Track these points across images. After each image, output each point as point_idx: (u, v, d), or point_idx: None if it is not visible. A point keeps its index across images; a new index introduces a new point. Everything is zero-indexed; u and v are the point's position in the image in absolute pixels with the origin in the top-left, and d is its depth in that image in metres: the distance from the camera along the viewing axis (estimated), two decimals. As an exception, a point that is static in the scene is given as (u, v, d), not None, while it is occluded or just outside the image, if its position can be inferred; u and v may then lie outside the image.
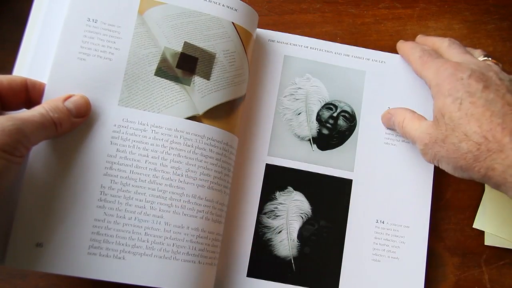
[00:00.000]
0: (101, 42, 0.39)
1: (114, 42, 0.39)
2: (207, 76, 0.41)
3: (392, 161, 0.45)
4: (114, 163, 0.37)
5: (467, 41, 0.50)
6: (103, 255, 0.35)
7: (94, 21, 0.39)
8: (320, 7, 0.51)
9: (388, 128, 0.45)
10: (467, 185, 0.46)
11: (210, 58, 0.41)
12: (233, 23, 0.42)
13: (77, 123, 0.36)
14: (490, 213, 0.44)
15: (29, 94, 0.36)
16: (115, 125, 0.38)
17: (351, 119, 0.46)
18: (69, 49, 0.38)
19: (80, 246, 0.35)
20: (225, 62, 0.42)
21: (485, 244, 0.44)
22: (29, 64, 0.38)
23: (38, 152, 0.36)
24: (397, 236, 0.43)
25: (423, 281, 0.42)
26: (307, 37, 0.48)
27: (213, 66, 0.41)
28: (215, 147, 0.39)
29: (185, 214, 0.37)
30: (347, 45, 0.48)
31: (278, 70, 0.47)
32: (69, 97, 0.36)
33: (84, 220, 0.36)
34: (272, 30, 0.48)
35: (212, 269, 0.39)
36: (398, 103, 0.46)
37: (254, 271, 0.42)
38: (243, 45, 0.43)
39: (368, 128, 0.46)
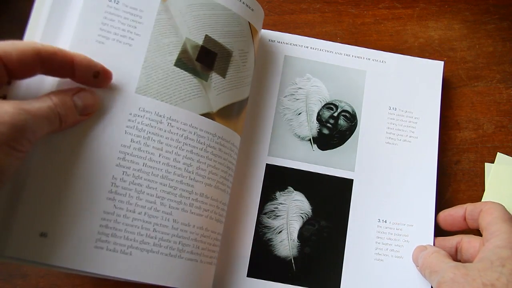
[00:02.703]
0: (122, 26, 0.37)
1: (135, 27, 0.38)
2: (223, 73, 0.41)
3: (394, 160, 0.45)
4: (128, 153, 0.35)
5: (467, 41, 0.51)
6: (110, 250, 0.33)
7: (116, 2, 0.37)
8: (320, 7, 0.52)
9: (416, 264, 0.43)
10: (467, 185, 0.47)
11: (227, 55, 0.41)
12: (249, 22, 0.43)
13: (81, 120, 0.34)
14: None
15: (45, 65, 0.33)
16: (130, 114, 0.36)
17: (352, 119, 0.47)
18: (88, 31, 0.36)
19: (86, 239, 0.33)
20: (239, 61, 0.42)
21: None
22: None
23: (49, 137, 0.34)
24: (400, 235, 0.43)
25: None
26: (307, 37, 0.48)
27: (230, 64, 0.41)
28: (224, 146, 0.39)
29: (192, 212, 0.37)
30: (347, 45, 0.49)
31: (278, 70, 0.47)
32: (79, 91, 0.34)
33: (93, 212, 0.34)
34: (272, 30, 0.48)
35: (211, 268, 0.39)
36: (398, 103, 0.47)
37: (254, 271, 0.41)
38: (254, 46, 0.43)
39: (369, 128, 0.46)
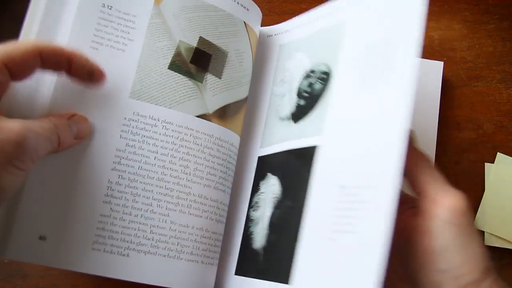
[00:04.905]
0: (115, 31, 0.37)
1: (128, 33, 0.38)
2: (219, 74, 0.40)
3: (367, 113, 0.34)
4: (123, 158, 0.36)
5: (467, 41, 0.51)
6: (107, 251, 0.34)
7: (109, 7, 0.37)
8: (320, 8, 0.52)
9: None
10: (467, 185, 0.46)
11: (223, 56, 0.41)
12: (244, 22, 0.42)
13: (75, 144, 0.35)
14: (490, 213, 0.45)
15: (45, 63, 0.33)
16: (125, 119, 0.36)
17: (327, 78, 0.38)
18: (82, 37, 0.36)
19: (84, 241, 0.34)
20: (236, 61, 0.42)
21: (485, 244, 0.45)
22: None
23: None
24: (358, 202, 0.31)
25: (381, 255, 0.28)
26: (296, 17, 0.45)
27: (225, 65, 0.41)
28: (222, 147, 0.39)
29: (190, 214, 0.37)
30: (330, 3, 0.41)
31: (273, 63, 0.45)
32: (73, 115, 0.35)
33: (90, 215, 0.35)
34: (272, 30, 0.48)
35: (213, 269, 0.39)
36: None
37: (240, 269, 0.39)
38: (251, 46, 0.43)
39: (344, 80, 0.37)
